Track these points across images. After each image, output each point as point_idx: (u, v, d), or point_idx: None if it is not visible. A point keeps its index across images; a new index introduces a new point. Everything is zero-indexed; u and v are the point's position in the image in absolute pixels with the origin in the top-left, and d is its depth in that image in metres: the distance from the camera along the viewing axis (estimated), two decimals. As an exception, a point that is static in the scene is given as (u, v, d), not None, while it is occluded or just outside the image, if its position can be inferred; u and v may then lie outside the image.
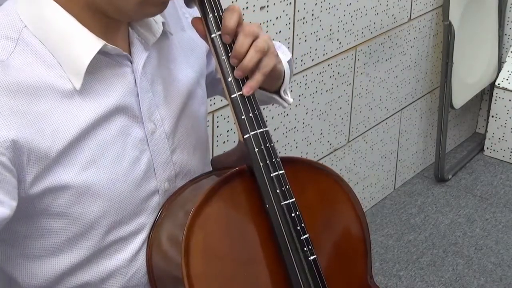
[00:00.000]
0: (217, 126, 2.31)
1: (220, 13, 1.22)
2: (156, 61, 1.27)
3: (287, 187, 1.24)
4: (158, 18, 1.26)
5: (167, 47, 1.30)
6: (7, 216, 1.09)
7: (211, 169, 1.36)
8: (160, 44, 1.28)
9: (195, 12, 1.28)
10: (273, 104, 1.47)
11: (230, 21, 1.20)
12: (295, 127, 2.67)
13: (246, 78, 1.24)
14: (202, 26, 1.23)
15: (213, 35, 1.22)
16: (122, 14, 1.16)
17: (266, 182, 1.22)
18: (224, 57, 1.22)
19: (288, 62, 1.42)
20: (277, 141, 2.60)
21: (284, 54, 1.40)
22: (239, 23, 1.22)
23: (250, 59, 1.21)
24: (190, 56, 1.35)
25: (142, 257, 1.27)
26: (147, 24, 1.24)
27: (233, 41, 1.23)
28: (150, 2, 1.15)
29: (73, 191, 1.15)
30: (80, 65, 1.13)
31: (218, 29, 1.22)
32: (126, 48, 1.22)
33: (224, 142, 2.35)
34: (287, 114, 2.61)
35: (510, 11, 3.61)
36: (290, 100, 1.42)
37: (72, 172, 1.15)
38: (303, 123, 2.71)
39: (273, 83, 1.35)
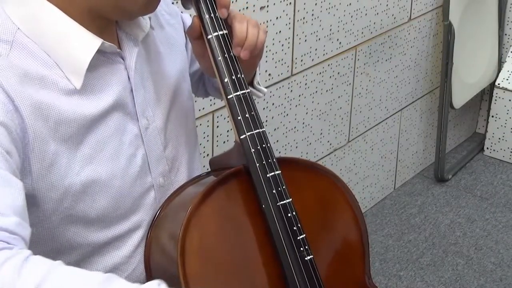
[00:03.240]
0: (217, 126, 2.31)
1: (217, 14, 1.23)
2: (145, 57, 1.28)
3: (284, 187, 1.24)
4: None
5: (152, 43, 1.31)
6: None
7: (201, 163, 1.37)
8: (146, 40, 1.29)
9: (172, 10, 1.29)
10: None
11: (242, 32, 1.24)
12: (295, 127, 2.67)
13: (242, 79, 1.24)
14: (199, 26, 1.24)
15: (209, 36, 1.23)
16: (125, 16, 1.17)
17: (262, 182, 1.23)
18: (220, 58, 1.23)
19: None
20: (277, 141, 2.61)
21: None
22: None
23: (252, 35, 1.25)
24: (172, 52, 1.37)
25: (141, 253, 1.28)
26: (135, 20, 1.25)
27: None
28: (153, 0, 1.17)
29: (75, 190, 1.16)
30: (80, 65, 1.14)
31: (215, 30, 1.23)
32: (116, 45, 1.23)
33: (224, 142, 2.35)
34: (287, 114, 2.61)
35: (510, 11, 3.61)
36: (264, 89, 1.44)
37: (73, 168, 1.15)
38: (303, 123, 2.71)
39: (255, 61, 1.36)
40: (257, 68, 1.43)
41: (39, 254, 1.19)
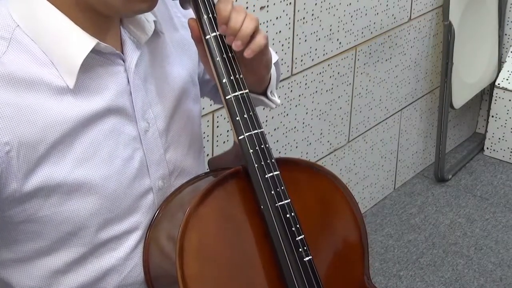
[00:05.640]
0: (217, 126, 2.31)
1: (215, 14, 1.23)
2: (149, 59, 1.27)
3: (282, 188, 1.24)
4: (150, 17, 1.26)
5: (160, 46, 1.31)
6: None
7: (205, 167, 1.37)
8: (152, 43, 1.28)
9: (187, 12, 1.28)
10: (264, 109, 1.47)
11: (226, 11, 1.20)
12: (295, 127, 2.67)
13: (240, 79, 1.24)
14: (197, 27, 1.23)
15: (207, 37, 1.23)
16: (111, 10, 1.15)
17: (261, 183, 1.22)
18: (219, 58, 1.23)
19: (274, 64, 1.42)
20: (277, 141, 2.61)
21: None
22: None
23: (247, 26, 1.21)
24: (183, 54, 1.36)
25: (138, 255, 1.28)
26: (139, 23, 1.25)
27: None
28: None
29: (65, 189, 1.16)
30: (73, 64, 1.14)
31: (213, 30, 1.23)
32: (119, 47, 1.22)
33: (224, 142, 2.35)
34: (287, 114, 2.61)
35: (510, 11, 3.61)
36: (278, 100, 1.42)
37: (64, 169, 1.15)
38: (303, 123, 2.71)
39: (263, 72, 1.34)
40: (272, 78, 1.40)
41: (32, 252, 1.20)
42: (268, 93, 1.41)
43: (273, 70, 1.40)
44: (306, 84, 2.65)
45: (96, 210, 1.20)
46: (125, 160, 1.22)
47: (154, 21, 1.26)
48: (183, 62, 1.36)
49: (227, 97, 1.23)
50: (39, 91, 1.12)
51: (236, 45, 1.21)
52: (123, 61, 1.22)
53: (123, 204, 1.23)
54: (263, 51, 1.26)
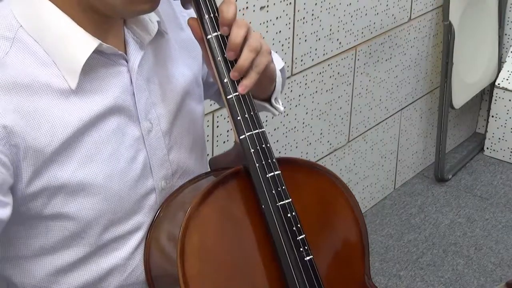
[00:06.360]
0: (217, 126, 2.31)
1: (216, 14, 1.22)
2: (152, 60, 1.27)
3: (283, 187, 1.24)
4: (153, 17, 1.26)
5: (164, 46, 1.30)
6: (7, 217, 1.10)
7: (208, 168, 1.37)
8: (156, 43, 1.28)
9: (192, 12, 1.28)
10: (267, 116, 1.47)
11: (228, 13, 1.20)
12: (295, 127, 2.67)
13: (242, 78, 1.24)
14: (198, 27, 1.23)
15: (209, 36, 1.22)
16: (112, 10, 1.15)
17: (262, 182, 1.23)
18: (220, 58, 1.22)
19: (280, 70, 1.42)
20: (277, 141, 2.61)
21: (276, 63, 1.38)
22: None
23: (245, 59, 1.21)
24: (188, 55, 1.36)
25: (140, 255, 1.28)
26: (142, 23, 1.25)
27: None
28: None
29: (69, 190, 1.16)
30: (75, 65, 1.14)
31: (214, 30, 1.22)
32: (122, 47, 1.22)
33: (224, 142, 2.35)
34: (287, 114, 2.61)
35: (510, 11, 3.61)
36: (281, 108, 1.41)
37: (68, 170, 1.15)
38: (303, 123, 2.71)
39: (266, 85, 1.34)
40: (277, 85, 1.40)
41: (36, 250, 1.21)
42: (272, 100, 1.40)
43: (278, 76, 1.39)
44: (306, 84, 2.65)
45: (100, 211, 1.20)
46: (128, 160, 1.22)
47: (158, 22, 1.26)
48: (187, 62, 1.35)
49: (228, 97, 1.23)
50: (42, 95, 1.12)
51: (233, 76, 1.22)
52: (126, 61, 1.22)
53: (126, 205, 1.23)
54: (265, 69, 1.26)
